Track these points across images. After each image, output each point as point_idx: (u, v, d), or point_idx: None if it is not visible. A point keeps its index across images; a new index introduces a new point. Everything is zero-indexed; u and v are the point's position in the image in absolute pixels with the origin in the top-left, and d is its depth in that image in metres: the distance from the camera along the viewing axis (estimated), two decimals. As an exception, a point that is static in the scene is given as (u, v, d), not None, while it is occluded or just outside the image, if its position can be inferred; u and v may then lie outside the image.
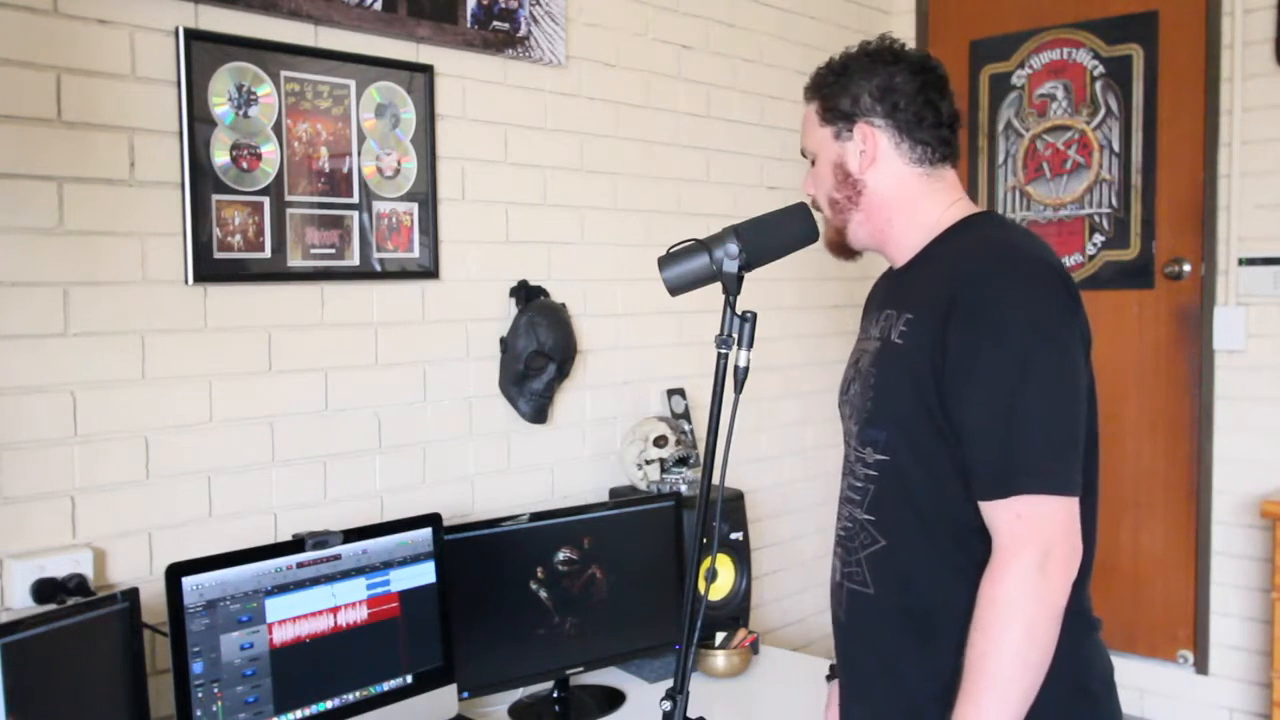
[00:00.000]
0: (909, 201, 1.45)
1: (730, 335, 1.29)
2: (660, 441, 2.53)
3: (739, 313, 1.30)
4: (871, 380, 1.41)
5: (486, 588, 2.10)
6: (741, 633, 2.45)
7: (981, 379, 1.29)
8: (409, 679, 1.96)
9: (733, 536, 2.54)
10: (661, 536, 2.35)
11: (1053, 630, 1.26)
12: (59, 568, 1.73)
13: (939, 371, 1.31)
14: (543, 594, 2.17)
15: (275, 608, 1.79)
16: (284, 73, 2.01)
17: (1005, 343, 1.28)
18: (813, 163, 1.53)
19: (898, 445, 1.37)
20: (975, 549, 1.32)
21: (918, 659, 1.39)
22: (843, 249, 1.54)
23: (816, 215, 1.50)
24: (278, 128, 2.01)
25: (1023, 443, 1.27)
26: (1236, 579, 3.02)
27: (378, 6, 2.12)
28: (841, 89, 1.46)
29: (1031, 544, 1.26)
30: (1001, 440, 1.28)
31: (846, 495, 1.48)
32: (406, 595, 1.97)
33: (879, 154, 1.44)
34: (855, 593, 1.45)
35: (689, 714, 1.29)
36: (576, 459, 2.58)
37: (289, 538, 1.87)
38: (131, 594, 1.67)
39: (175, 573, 1.68)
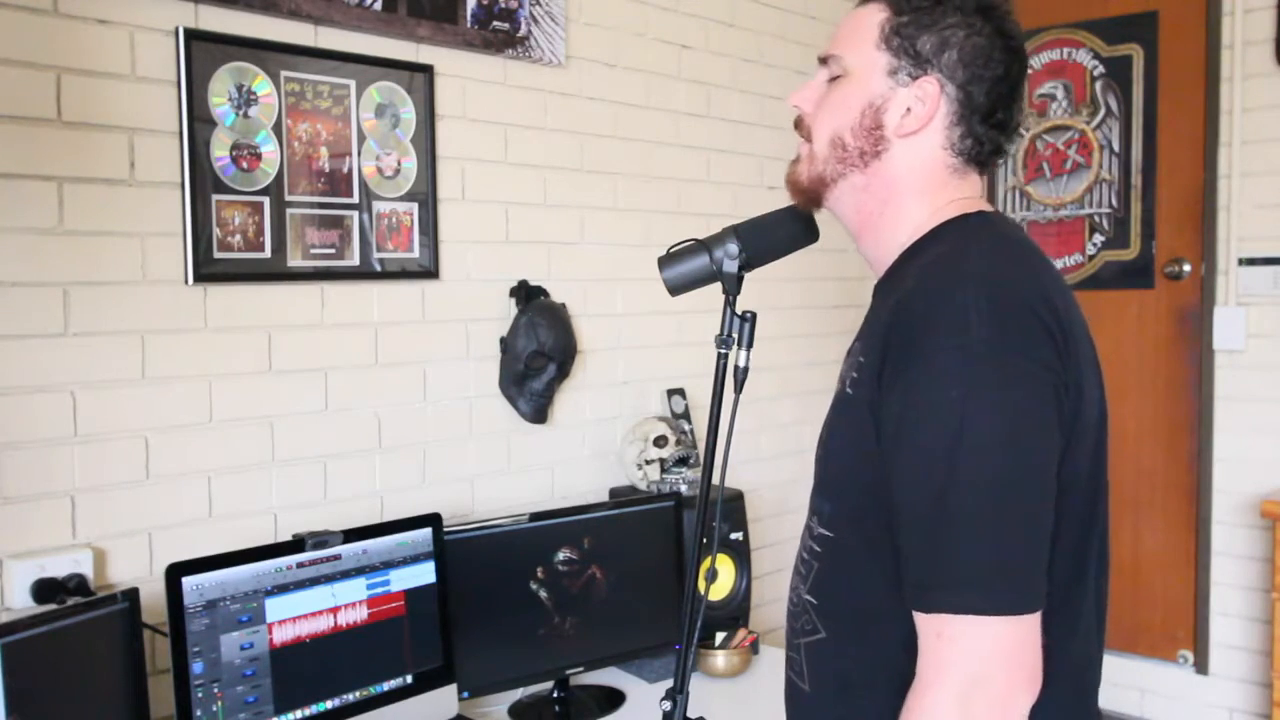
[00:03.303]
0: (918, 190, 1.17)
1: (730, 335, 1.28)
2: (660, 441, 2.53)
3: (739, 313, 1.28)
4: (824, 436, 1.18)
5: (486, 588, 2.10)
6: (741, 633, 2.45)
7: (907, 456, 1.02)
8: (409, 679, 1.96)
9: (733, 536, 2.53)
10: (661, 536, 2.35)
11: None
12: (59, 568, 1.73)
13: (880, 437, 1.06)
14: (543, 594, 2.17)
15: (275, 608, 1.79)
16: (284, 73, 2.01)
17: (935, 411, 1.00)
18: (831, 77, 1.21)
19: (842, 522, 1.13)
20: None
21: None
22: (809, 197, 1.23)
23: (805, 150, 1.23)
24: (278, 128, 2.00)
25: (951, 544, 0.99)
26: (1236, 579, 3.02)
27: (378, 6, 2.12)
28: (928, 23, 1.14)
29: (953, 675, 0.99)
30: (926, 538, 1.01)
31: (796, 565, 1.23)
32: (406, 595, 1.97)
33: (930, 124, 1.15)
34: (793, 685, 1.22)
35: (689, 714, 1.29)
36: (576, 459, 2.58)
37: (289, 538, 1.87)
38: (131, 594, 1.67)
39: (175, 573, 1.68)
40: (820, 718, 1.18)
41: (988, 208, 1.19)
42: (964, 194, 1.18)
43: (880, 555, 1.09)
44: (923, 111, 1.15)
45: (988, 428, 0.99)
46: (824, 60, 1.22)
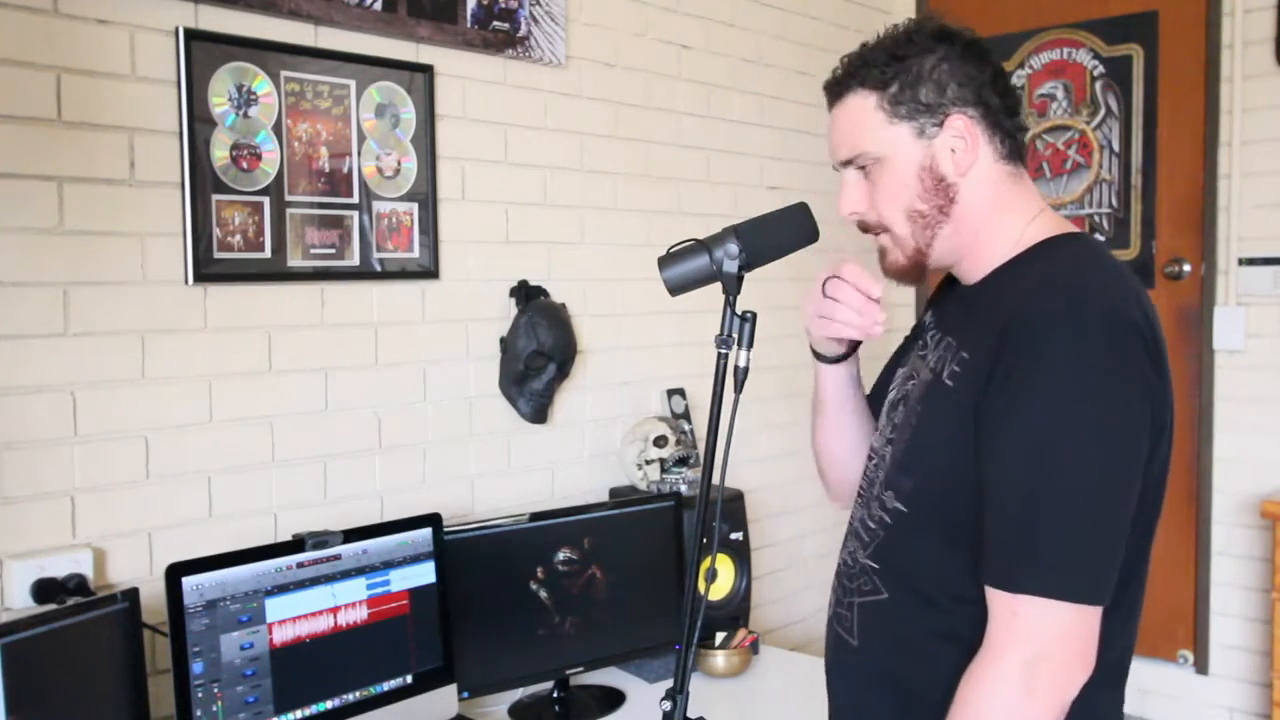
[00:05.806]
0: (999, 208, 1.26)
1: (730, 335, 1.28)
2: (660, 441, 2.53)
3: (739, 313, 1.28)
4: (914, 419, 1.27)
5: (486, 588, 2.10)
6: (741, 633, 2.45)
7: (1010, 449, 1.13)
8: (409, 679, 1.96)
9: (733, 536, 2.53)
10: (661, 536, 2.35)
11: None
12: (59, 568, 1.73)
13: (979, 429, 1.16)
14: (543, 594, 2.17)
15: (275, 608, 1.79)
16: (284, 73, 2.01)
17: (1044, 410, 1.10)
18: (861, 170, 1.28)
19: (922, 499, 1.24)
20: (984, 629, 1.17)
21: None
22: (917, 272, 1.30)
23: (886, 239, 1.30)
24: (278, 128, 2.00)
25: (1040, 533, 1.10)
26: (1236, 579, 3.02)
27: (378, 6, 2.12)
28: (916, 76, 1.22)
29: (1020, 648, 1.10)
30: (1017, 524, 1.12)
31: (856, 530, 1.34)
32: (407, 595, 1.97)
33: (978, 151, 1.24)
34: (840, 639, 1.34)
35: (689, 714, 1.29)
36: (576, 459, 2.58)
37: (289, 538, 1.87)
38: (131, 594, 1.67)
39: (175, 573, 1.68)
40: (867, 670, 1.29)
41: (1075, 228, 1.28)
42: (1035, 203, 1.28)
43: (955, 534, 1.19)
44: (967, 143, 1.24)
45: (1087, 436, 1.10)
46: (846, 163, 1.29)
